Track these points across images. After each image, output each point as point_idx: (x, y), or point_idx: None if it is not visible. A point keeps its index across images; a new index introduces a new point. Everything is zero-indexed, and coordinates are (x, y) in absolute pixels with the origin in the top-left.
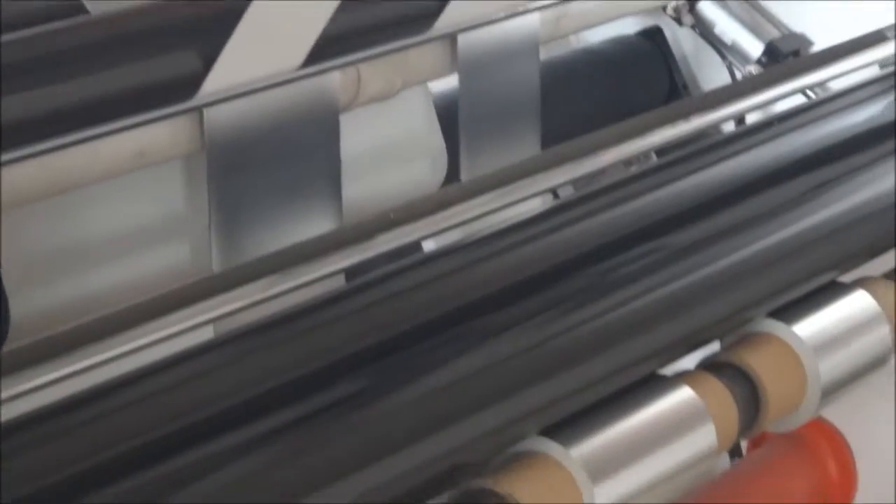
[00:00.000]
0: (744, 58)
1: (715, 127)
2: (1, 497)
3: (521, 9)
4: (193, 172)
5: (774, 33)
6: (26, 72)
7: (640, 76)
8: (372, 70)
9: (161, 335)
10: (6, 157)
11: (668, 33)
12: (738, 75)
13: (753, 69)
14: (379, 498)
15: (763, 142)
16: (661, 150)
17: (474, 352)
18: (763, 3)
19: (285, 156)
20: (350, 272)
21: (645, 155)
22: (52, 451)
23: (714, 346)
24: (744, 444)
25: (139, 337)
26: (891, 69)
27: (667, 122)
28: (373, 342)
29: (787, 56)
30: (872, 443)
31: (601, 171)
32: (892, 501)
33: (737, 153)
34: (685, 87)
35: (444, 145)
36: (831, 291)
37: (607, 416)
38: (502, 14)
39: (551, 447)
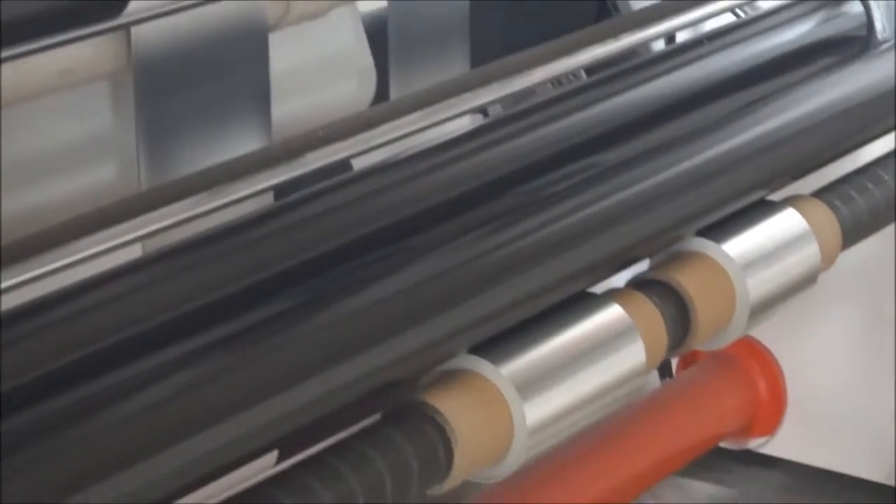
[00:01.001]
0: None
1: (644, 46)
2: None
3: None
4: (120, 91)
5: None
6: None
7: None
8: None
9: (89, 253)
10: None
11: None
12: None
13: None
14: (311, 415)
15: (692, 60)
16: (591, 69)
17: (403, 270)
18: None
19: (213, 74)
20: (279, 191)
21: (574, 74)
22: None
23: (644, 265)
24: (675, 365)
25: (66, 256)
26: None
27: (596, 41)
28: (302, 261)
29: None
30: (803, 363)
31: (530, 90)
32: (821, 420)
33: (666, 72)
34: (615, 6)
35: (372, 64)
36: (760, 210)
37: (537, 334)
38: None
39: (481, 365)
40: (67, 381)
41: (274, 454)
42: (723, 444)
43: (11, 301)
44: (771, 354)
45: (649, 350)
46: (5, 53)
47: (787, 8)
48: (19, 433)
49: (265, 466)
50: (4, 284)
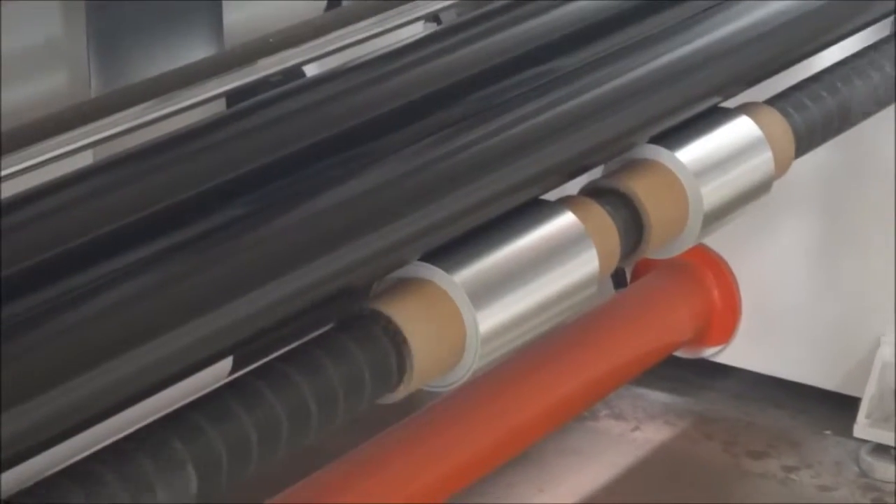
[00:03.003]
0: None
1: None
2: None
3: None
4: None
5: None
6: None
7: None
8: None
9: (39, 160)
10: None
11: None
12: None
13: None
14: (263, 322)
15: None
16: None
17: (356, 176)
18: None
19: None
20: (232, 98)
21: None
22: None
23: (597, 174)
24: (629, 276)
25: (15, 163)
26: None
27: None
28: (254, 168)
29: None
30: (757, 271)
31: None
32: (775, 329)
33: None
34: None
35: None
36: (714, 117)
37: (490, 242)
38: None
39: (434, 272)
40: (14, 288)
41: (229, 364)
42: (678, 354)
43: None
44: (725, 263)
45: (602, 257)
46: None
47: None
48: None
49: (220, 376)
50: None
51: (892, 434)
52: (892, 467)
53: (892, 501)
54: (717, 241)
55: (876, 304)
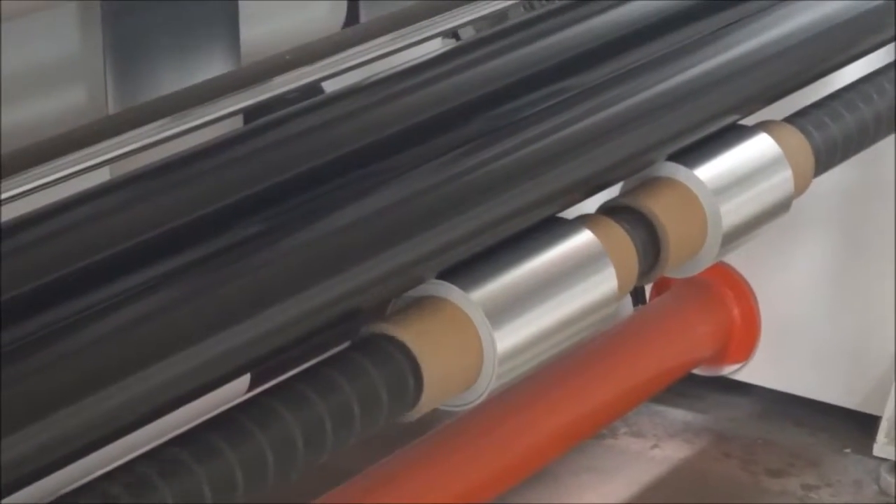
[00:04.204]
0: None
1: None
2: None
3: None
4: (88, 14)
5: None
6: None
7: None
8: None
9: (56, 177)
10: None
11: None
12: None
13: None
14: (279, 340)
15: None
16: None
17: (373, 194)
18: None
19: None
20: (250, 115)
21: None
22: None
23: (615, 191)
24: (649, 292)
25: (35, 178)
26: None
27: None
28: (271, 185)
29: None
30: (777, 289)
31: (503, 14)
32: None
33: None
34: None
35: None
36: (733, 134)
37: (507, 260)
38: None
39: (450, 291)
40: (32, 306)
41: (246, 383)
42: (697, 371)
43: None
44: (745, 281)
45: (620, 276)
46: None
47: None
48: None
49: (237, 394)
50: None
51: None
52: None
53: None
54: (736, 258)
55: None
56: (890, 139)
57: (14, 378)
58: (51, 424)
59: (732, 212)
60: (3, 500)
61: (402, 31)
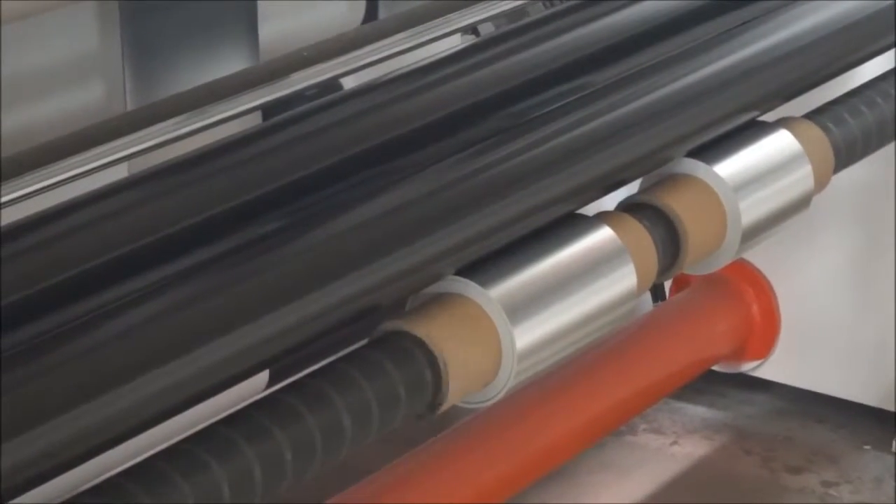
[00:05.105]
0: None
1: None
2: None
3: None
4: (106, 10)
5: None
6: None
7: None
8: None
9: (74, 173)
10: None
11: None
12: None
13: None
14: (297, 336)
15: None
16: None
17: (392, 190)
18: None
19: None
20: (268, 112)
21: None
22: None
23: (634, 188)
24: (668, 289)
25: (54, 174)
26: None
27: None
28: (289, 181)
29: None
30: (797, 286)
31: (523, 10)
32: (815, 344)
33: None
34: None
35: None
36: (752, 131)
37: (526, 256)
38: None
39: (469, 287)
40: (53, 301)
41: (265, 379)
42: (716, 368)
43: (3, 220)
44: (765, 278)
45: (640, 273)
46: None
47: None
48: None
49: (256, 390)
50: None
51: None
52: None
53: None
54: (755, 255)
55: None
56: None
57: (36, 373)
58: (72, 420)
59: (752, 208)
60: (19, 499)
61: (421, 27)
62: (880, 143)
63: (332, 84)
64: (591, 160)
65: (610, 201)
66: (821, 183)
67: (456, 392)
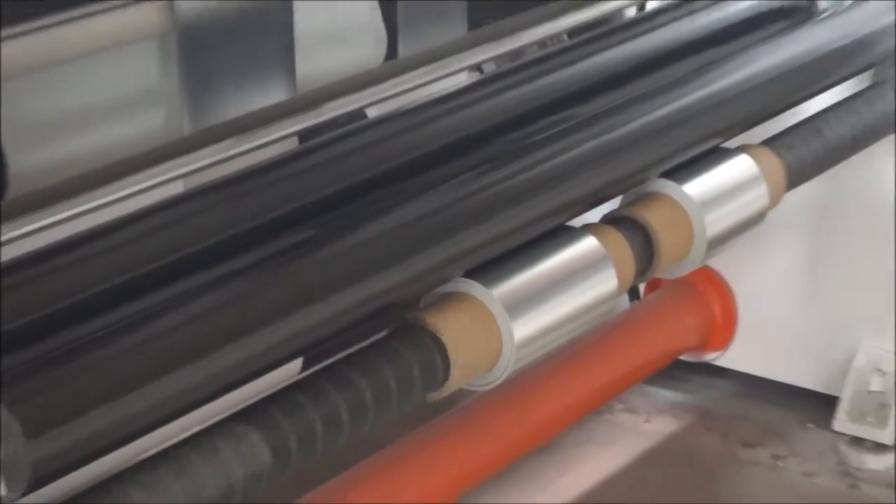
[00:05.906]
0: None
1: (619, 13)
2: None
3: None
4: (166, 50)
5: None
6: None
7: None
8: None
9: (139, 188)
10: (5, 33)
11: None
12: None
13: None
14: (326, 330)
15: (660, 26)
16: (572, 33)
17: (408, 204)
18: None
19: (247, 36)
20: (303, 136)
21: (558, 37)
22: (44, 287)
23: (615, 203)
24: (642, 290)
25: (121, 189)
26: None
27: (577, 8)
28: (322, 196)
29: None
30: (753, 287)
31: (520, 51)
32: (768, 337)
33: (637, 36)
34: None
35: (384, 28)
36: (716, 155)
37: (523, 261)
38: None
39: (474, 287)
40: (123, 295)
41: (299, 365)
42: (683, 358)
43: (73, 229)
44: (725, 281)
45: (620, 276)
46: (70, 15)
47: None
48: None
49: (291, 374)
50: (70, 213)
51: (867, 428)
52: (866, 457)
53: (866, 487)
54: (717, 261)
55: (855, 315)
56: (853, 158)
57: (103, 359)
58: (128, 402)
59: (716, 222)
60: (77, 470)
61: (434, 65)
62: (827, 166)
63: (359, 113)
64: (578, 179)
65: (595, 215)
66: (774, 200)
67: (462, 376)
